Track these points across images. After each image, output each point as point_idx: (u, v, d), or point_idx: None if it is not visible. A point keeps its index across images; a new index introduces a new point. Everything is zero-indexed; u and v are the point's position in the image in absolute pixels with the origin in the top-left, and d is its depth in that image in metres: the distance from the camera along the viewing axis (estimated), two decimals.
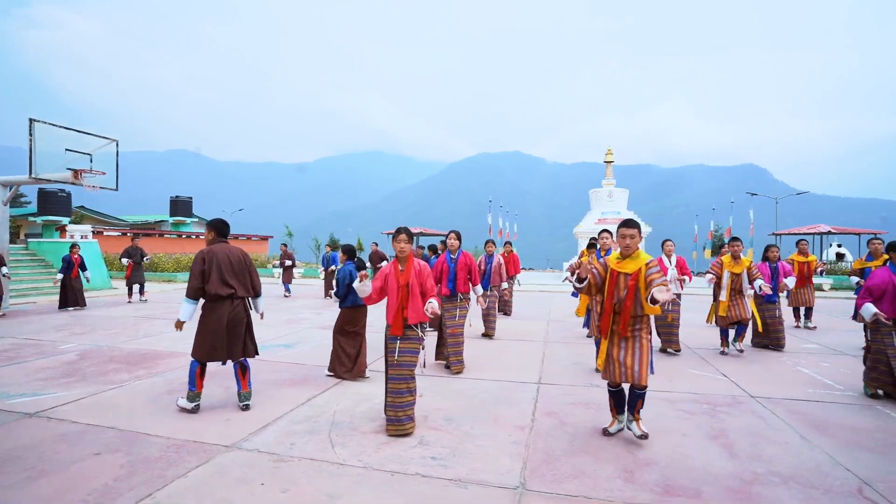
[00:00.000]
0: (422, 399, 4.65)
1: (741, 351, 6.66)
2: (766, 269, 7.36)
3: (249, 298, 4.56)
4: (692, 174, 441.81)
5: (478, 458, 3.36)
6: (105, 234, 25.37)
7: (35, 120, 9.38)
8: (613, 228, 16.87)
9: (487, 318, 7.76)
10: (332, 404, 4.51)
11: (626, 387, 3.78)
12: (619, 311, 3.59)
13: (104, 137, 10.82)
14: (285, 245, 14.75)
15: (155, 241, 27.46)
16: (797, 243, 9.56)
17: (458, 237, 5.94)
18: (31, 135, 9.33)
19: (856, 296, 6.54)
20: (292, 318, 9.83)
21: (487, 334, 7.76)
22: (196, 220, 32.41)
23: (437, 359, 5.98)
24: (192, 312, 4.21)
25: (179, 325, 4.24)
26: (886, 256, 5.00)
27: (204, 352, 4.19)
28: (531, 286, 18.07)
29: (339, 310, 5.53)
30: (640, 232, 3.61)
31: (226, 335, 4.22)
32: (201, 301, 4.29)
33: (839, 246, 27.26)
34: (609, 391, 3.82)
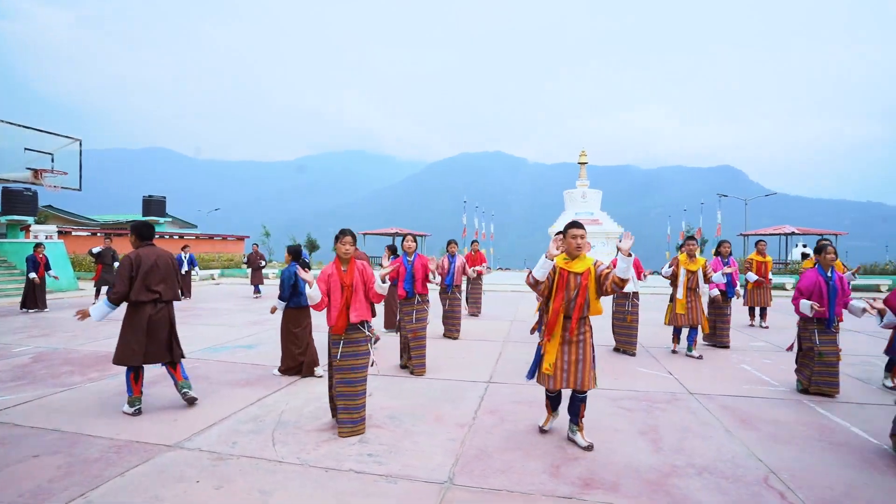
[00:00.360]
0: (371, 398, 4.76)
1: (700, 357, 6.61)
2: (718, 265, 7.66)
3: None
4: (671, 175, 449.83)
5: (413, 455, 3.48)
6: (73, 234, 24.79)
7: None
8: (588, 229, 17.25)
9: (451, 320, 7.88)
10: (281, 404, 4.58)
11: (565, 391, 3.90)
12: (569, 313, 3.61)
13: (67, 136, 10.63)
14: (257, 245, 14.66)
15: (127, 242, 26.90)
16: (756, 244, 9.94)
17: (414, 239, 6.05)
18: None
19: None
20: (257, 320, 9.82)
21: (451, 336, 7.87)
22: (170, 220, 31.85)
23: (402, 365, 5.96)
24: (104, 315, 4.19)
25: (84, 315, 4.19)
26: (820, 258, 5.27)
27: (123, 355, 4.21)
28: (504, 286, 18.29)
29: None
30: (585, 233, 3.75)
31: (145, 339, 4.25)
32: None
33: (804, 246, 28.17)
34: (547, 395, 3.91)
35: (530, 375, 3.79)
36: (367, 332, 3.93)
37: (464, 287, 11.29)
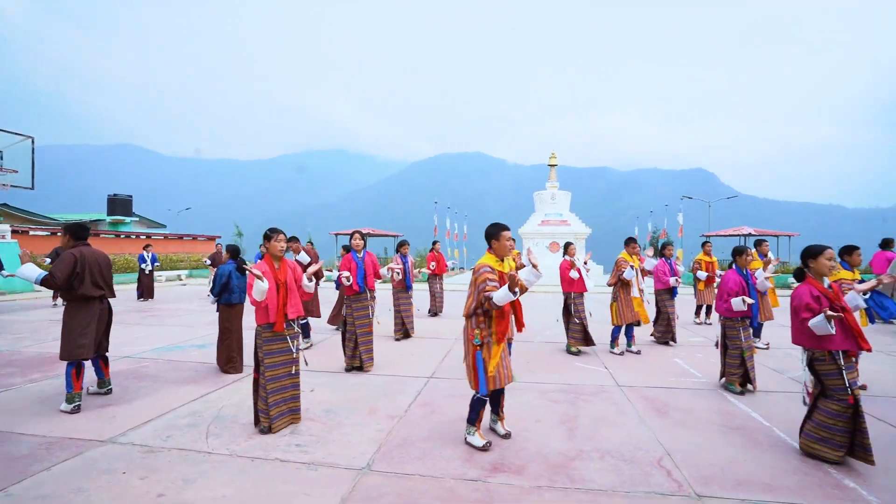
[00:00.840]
0: (313, 394, 4.93)
1: (639, 352, 6.98)
2: (664, 265, 8.04)
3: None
4: (646, 177, 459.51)
5: (340, 445, 3.66)
6: (31, 233, 24.04)
7: None
8: (557, 230, 17.43)
9: (404, 318, 8.05)
10: (223, 400, 4.71)
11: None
12: (515, 313, 3.77)
13: (17, 134, 10.42)
14: (220, 245, 14.53)
15: (91, 242, 26.23)
16: (703, 245, 10.39)
17: (363, 237, 6.21)
18: None
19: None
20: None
21: (402, 335, 8.02)
22: (137, 219, 31.18)
23: (347, 362, 5.95)
24: (30, 278, 4.21)
25: (25, 257, 4.28)
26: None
27: (73, 350, 4.36)
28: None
29: None
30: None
31: (94, 334, 4.47)
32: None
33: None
34: (482, 400, 3.68)
35: (484, 390, 3.55)
36: (297, 329, 4.10)
37: (426, 286, 11.51)
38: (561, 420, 4.25)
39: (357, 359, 5.82)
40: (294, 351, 4.06)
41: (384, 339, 7.88)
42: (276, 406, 3.92)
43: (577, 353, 6.92)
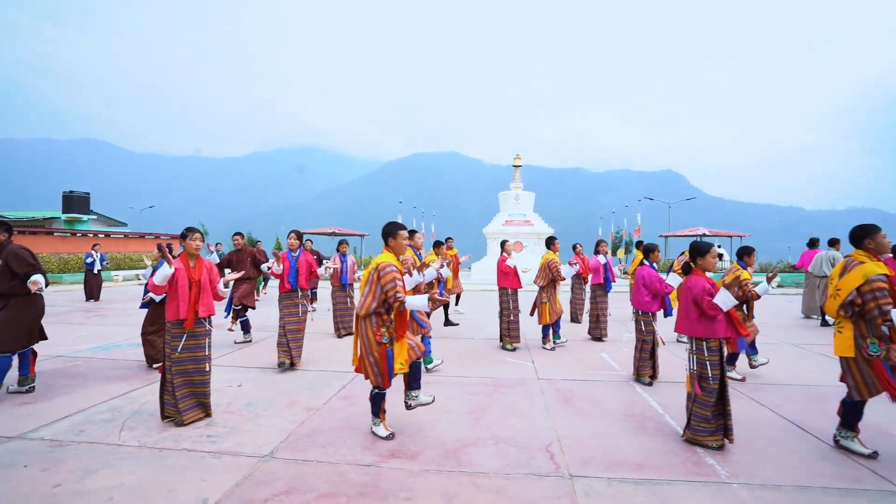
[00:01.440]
0: (240, 388, 5.06)
1: (566, 341, 7.55)
2: (597, 262, 8.42)
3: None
4: (618, 178, 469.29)
5: (250, 436, 3.83)
6: None
7: None
8: (521, 230, 17.80)
9: (342, 317, 8.20)
10: (147, 395, 4.79)
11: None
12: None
13: None
14: (169, 244, 14.15)
15: (43, 240, 25.39)
16: (636, 244, 10.84)
17: (298, 237, 6.35)
18: None
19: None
20: None
21: (339, 333, 8.13)
22: (95, 217, 30.29)
23: (279, 357, 6.10)
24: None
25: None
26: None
27: (24, 340, 4.71)
28: None
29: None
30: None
31: (35, 327, 4.82)
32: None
33: (719, 247, 30.44)
34: (383, 393, 3.87)
35: (388, 384, 3.76)
36: (208, 327, 4.23)
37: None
38: (470, 411, 4.51)
39: (288, 354, 5.95)
40: (206, 348, 4.18)
41: (326, 336, 8.04)
42: (184, 399, 4.04)
43: (513, 350, 7.21)
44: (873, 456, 3.56)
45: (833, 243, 9.97)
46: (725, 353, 3.85)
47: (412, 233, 7.38)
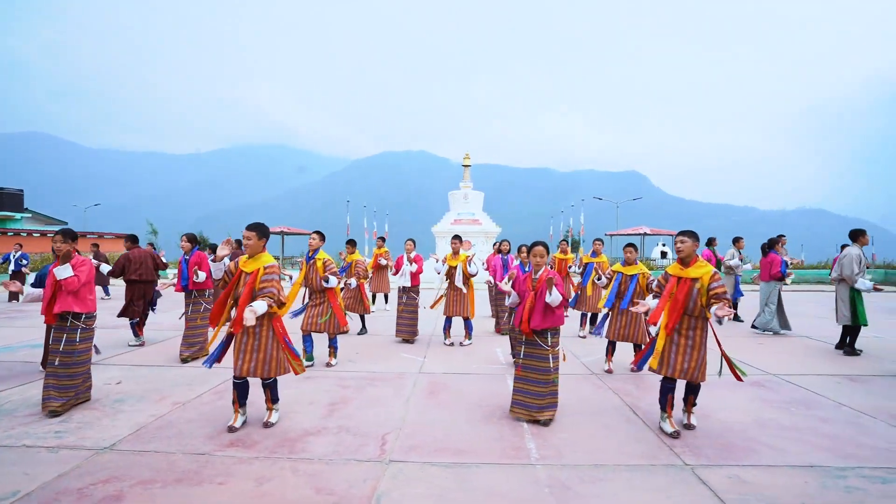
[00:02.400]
0: (118, 385, 5.16)
1: (470, 343, 7.65)
2: (497, 260, 8.80)
3: None
4: (584, 178, 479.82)
5: (99, 430, 3.96)
6: None
7: None
8: (468, 228, 18.12)
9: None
10: (17, 395, 4.83)
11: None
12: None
13: None
14: (97, 246, 13.72)
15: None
16: (560, 243, 11.31)
17: (189, 240, 6.45)
18: None
19: (584, 285, 8.22)
20: None
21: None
22: (29, 215, 28.99)
23: (181, 355, 6.26)
24: None
25: None
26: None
27: None
28: None
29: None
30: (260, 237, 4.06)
31: None
32: None
33: (663, 245, 31.80)
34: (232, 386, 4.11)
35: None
36: (72, 323, 4.34)
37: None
38: (331, 402, 4.76)
39: (186, 350, 6.13)
40: (61, 343, 4.30)
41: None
42: (62, 390, 4.30)
43: (411, 343, 7.53)
44: (674, 435, 4.00)
45: (856, 236, 7.30)
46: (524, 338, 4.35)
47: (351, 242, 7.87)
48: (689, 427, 4.16)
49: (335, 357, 6.20)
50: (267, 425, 4.10)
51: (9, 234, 26.20)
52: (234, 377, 4.03)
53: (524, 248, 6.38)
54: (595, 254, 8.60)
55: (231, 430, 3.97)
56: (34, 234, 27.18)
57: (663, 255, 29.98)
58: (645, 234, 26.22)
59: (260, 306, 3.72)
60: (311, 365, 6.02)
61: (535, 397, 4.25)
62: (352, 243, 8.20)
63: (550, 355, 4.26)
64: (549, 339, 4.28)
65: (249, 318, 3.56)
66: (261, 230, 4.02)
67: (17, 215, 27.83)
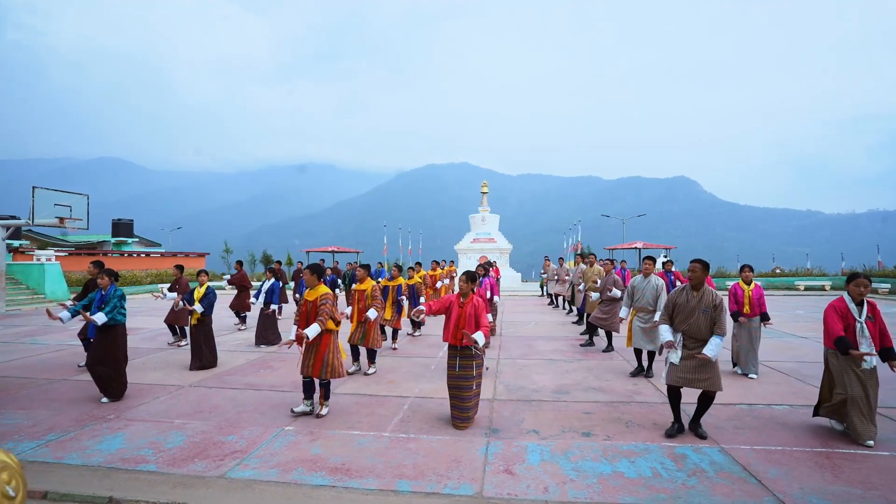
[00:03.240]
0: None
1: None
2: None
3: None
4: (630, 186, 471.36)
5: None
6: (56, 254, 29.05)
7: (36, 187, 14.38)
8: (485, 246, 23.94)
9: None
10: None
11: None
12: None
13: (79, 194, 15.84)
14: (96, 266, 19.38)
15: (100, 260, 31.35)
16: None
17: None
18: (32, 197, 14.32)
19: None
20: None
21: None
22: (137, 239, 36.22)
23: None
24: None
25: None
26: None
27: None
28: None
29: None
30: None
31: None
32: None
33: (665, 257, 35.36)
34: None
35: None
36: None
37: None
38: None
39: None
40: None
41: None
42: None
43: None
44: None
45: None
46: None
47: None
48: None
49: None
50: (318, 416, 5.22)
51: (125, 255, 33.37)
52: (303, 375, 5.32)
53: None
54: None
55: (292, 412, 5.28)
56: (141, 255, 34.25)
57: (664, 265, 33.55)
58: (636, 248, 30.04)
59: (313, 330, 4.95)
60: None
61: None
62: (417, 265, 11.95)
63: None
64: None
65: (310, 336, 4.91)
66: (315, 270, 5.28)
67: (129, 240, 35.04)
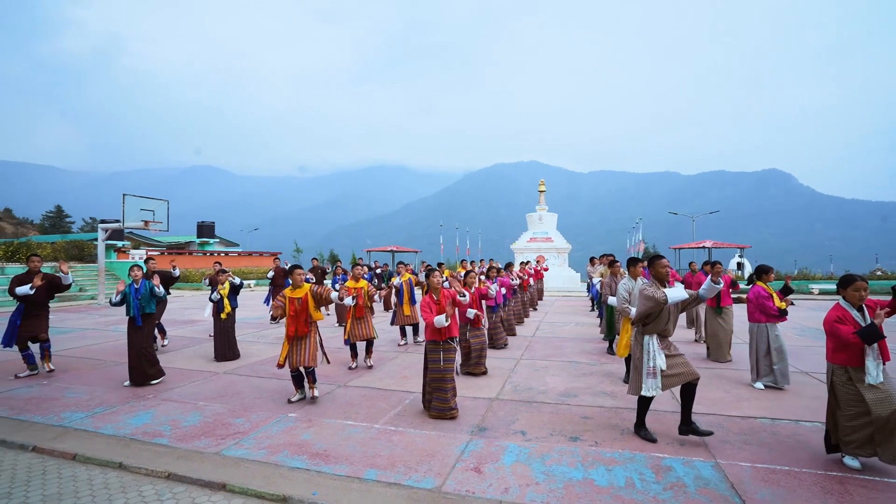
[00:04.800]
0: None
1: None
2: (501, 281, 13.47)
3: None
4: (712, 181, 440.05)
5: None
6: (148, 253, 32.49)
7: (126, 195, 16.32)
8: (542, 246, 23.82)
9: None
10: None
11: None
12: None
13: (160, 199, 17.69)
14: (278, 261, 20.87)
15: (186, 258, 34.60)
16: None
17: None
18: (123, 203, 16.26)
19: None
20: None
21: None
22: (218, 240, 39.54)
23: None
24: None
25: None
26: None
27: None
28: None
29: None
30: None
31: None
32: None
33: (740, 257, 32.77)
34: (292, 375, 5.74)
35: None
36: None
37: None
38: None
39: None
40: None
41: None
42: None
43: None
44: None
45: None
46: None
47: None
48: None
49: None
50: (313, 399, 5.73)
51: (207, 254, 36.53)
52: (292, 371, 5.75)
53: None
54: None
55: (289, 401, 5.67)
56: (221, 254, 37.34)
57: (739, 266, 31.08)
58: (703, 247, 27.99)
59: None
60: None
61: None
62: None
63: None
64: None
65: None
66: (292, 270, 5.82)
67: (211, 240, 38.43)
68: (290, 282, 5.81)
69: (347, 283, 7.71)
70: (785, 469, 3.91)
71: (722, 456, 4.15)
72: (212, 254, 37.20)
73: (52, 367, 7.37)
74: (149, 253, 32.00)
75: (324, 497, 3.54)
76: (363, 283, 7.77)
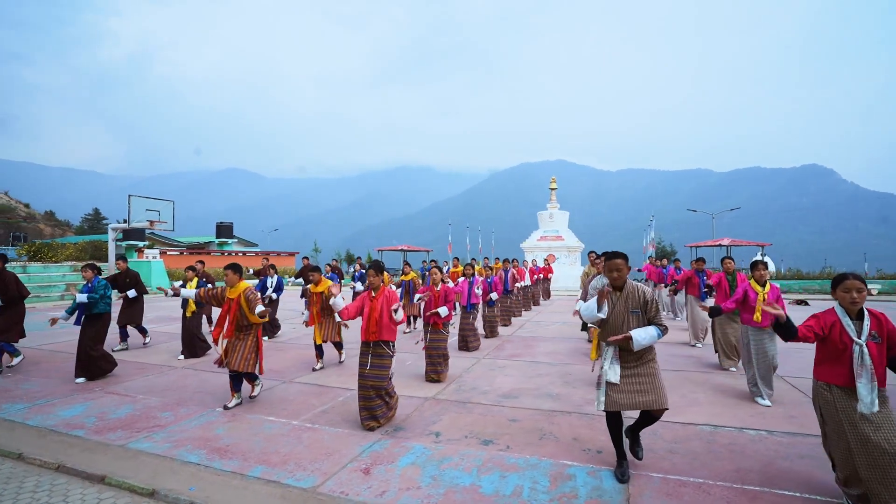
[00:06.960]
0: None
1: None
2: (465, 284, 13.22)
3: None
4: (746, 178, 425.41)
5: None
6: (168, 253, 33.55)
7: (132, 195, 16.87)
8: (553, 244, 23.58)
9: None
10: None
11: None
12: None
13: (166, 200, 18.20)
14: (266, 257, 21.31)
15: (204, 258, 35.57)
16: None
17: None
18: (129, 204, 16.81)
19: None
20: None
21: None
22: (237, 240, 40.47)
23: None
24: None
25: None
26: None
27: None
28: None
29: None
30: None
31: None
32: None
33: (763, 255, 31.41)
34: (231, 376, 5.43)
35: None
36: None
37: None
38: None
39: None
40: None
41: None
42: None
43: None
44: None
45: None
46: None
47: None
48: None
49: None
50: (252, 397, 5.66)
51: (225, 254, 37.42)
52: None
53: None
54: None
55: (225, 407, 5.19)
56: (239, 254, 38.18)
57: (763, 265, 29.75)
58: (720, 245, 26.91)
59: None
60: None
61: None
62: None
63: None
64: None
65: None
66: (236, 269, 5.47)
67: (230, 241, 39.37)
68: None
69: (310, 288, 7.57)
70: (698, 482, 3.62)
71: (638, 466, 3.88)
72: (230, 253, 38.07)
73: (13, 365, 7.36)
74: (170, 253, 33.02)
75: (200, 492, 3.48)
76: (324, 285, 7.47)
